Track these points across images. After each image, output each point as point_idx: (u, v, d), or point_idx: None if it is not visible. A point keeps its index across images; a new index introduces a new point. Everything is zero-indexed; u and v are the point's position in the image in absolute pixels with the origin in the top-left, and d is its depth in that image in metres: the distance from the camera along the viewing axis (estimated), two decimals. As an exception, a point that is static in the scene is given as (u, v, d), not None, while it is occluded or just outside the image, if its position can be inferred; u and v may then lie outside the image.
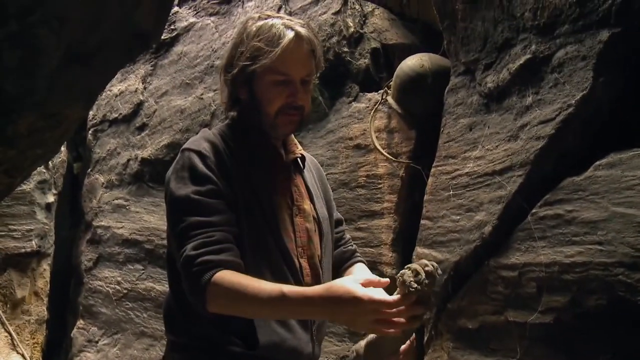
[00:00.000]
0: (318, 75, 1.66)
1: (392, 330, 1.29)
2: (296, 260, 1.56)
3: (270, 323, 1.48)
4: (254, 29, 1.53)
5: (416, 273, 1.24)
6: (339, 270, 1.76)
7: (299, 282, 1.53)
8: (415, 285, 1.23)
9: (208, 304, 1.38)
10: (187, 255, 1.40)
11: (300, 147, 1.70)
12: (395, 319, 1.25)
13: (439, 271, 1.27)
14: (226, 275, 1.37)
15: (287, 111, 1.54)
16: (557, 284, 1.77)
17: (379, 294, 1.26)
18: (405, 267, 1.28)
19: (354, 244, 1.87)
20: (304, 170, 1.70)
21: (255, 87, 1.54)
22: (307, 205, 1.64)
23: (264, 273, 1.48)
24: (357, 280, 1.28)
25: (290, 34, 1.50)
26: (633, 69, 1.74)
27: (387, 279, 1.33)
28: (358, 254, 1.83)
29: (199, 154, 1.49)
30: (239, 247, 1.46)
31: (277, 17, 1.56)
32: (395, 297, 1.26)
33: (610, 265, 1.63)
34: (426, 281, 1.23)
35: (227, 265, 1.39)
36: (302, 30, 1.52)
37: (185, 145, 1.55)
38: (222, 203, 1.46)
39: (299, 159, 1.68)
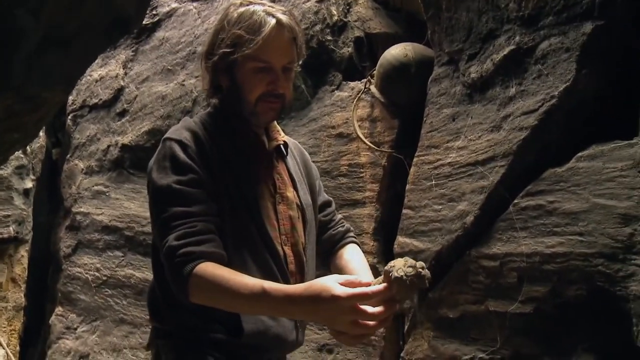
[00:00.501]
0: (300, 63, 1.65)
1: (367, 333, 1.30)
2: (280, 248, 1.56)
3: None
4: (235, 15, 1.52)
5: (409, 265, 1.23)
6: (330, 253, 1.76)
7: (282, 271, 1.54)
8: (402, 274, 1.22)
9: (190, 295, 1.38)
10: (170, 245, 1.40)
11: (283, 134, 1.70)
12: (370, 311, 1.24)
13: (427, 283, 1.25)
14: (208, 268, 1.36)
15: (267, 99, 1.53)
16: (538, 274, 1.79)
17: (356, 289, 1.25)
18: (403, 258, 1.28)
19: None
20: (287, 157, 1.69)
21: (236, 75, 1.54)
22: (290, 193, 1.63)
23: (247, 262, 1.48)
24: (337, 280, 1.27)
25: (271, 22, 1.49)
26: (616, 62, 1.76)
27: (368, 281, 1.32)
28: (350, 235, 1.81)
29: (180, 143, 1.49)
30: (221, 237, 1.45)
31: (259, 3, 1.54)
32: (373, 288, 1.26)
33: (590, 255, 1.65)
34: (414, 279, 1.22)
35: (209, 256, 1.39)
36: (284, 18, 1.51)
37: (166, 135, 1.55)
38: (203, 193, 1.46)
39: (281, 146, 1.68)
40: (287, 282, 1.53)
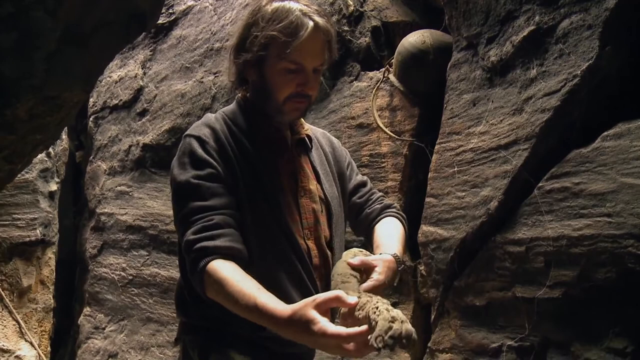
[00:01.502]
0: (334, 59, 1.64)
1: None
2: (302, 242, 1.54)
3: None
4: (270, 10, 1.48)
5: (389, 335, 1.10)
6: (368, 233, 1.72)
7: (305, 264, 1.53)
8: (380, 345, 1.10)
9: (205, 290, 1.39)
10: (187, 240, 1.41)
11: (307, 127, 1.69)
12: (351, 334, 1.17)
13: (411, 344, 1.11)
14: (219, 267, 1.36)
15: (295, 99, 1.52)
16: (565, 258, 1.76)
17: (334, 328, 1.17)
18: (385, 306, 1.17)
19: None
20: (312, 150, 1.68)
21: (266, 71, 1.52)
22: (313, 186, 1.62)
23: (268, 257, 1.49)
24: (316, 303, 1.20)
25: (309, 25, 1.46)
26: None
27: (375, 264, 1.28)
28: (388, 210, 1.73)
29: (199, 139, 1.50)
30: (241, 231, 1.45)
31: (295, 2, 1.50)
32: (350, 331, 1.16)
33: (619, 237, 1.61)
34: (390, 343, 1.10)
35: (223, 251, 1.39)
36: (321, 21, 1.48)
37: (187, 132, 1.56)
38: (222, 187, 1.46)
39: (306, 139, 1.66)
40: (309, 275, 1.52)
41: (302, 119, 1.69)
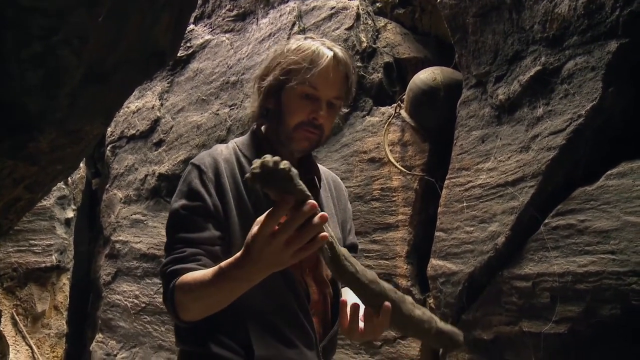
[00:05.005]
0: (350, 103, 1.68)
1: (304, 247, 1.18)
2: (299, 277, 1.56)
3: (265, 337, 1.48)
4: (295, 45, 1.58)
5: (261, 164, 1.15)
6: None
7: (300, 298, 1.54)
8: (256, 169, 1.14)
9: (179, 312, 1.40)
10: (160, 270, 1.48)
11: (318, 168, 1.72)
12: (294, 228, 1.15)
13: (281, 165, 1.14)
14: (184, 278, 1.38)
15: (306, 127, 1.56)
16: (571, 294, 1.78)
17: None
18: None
19: (369, 257, 1.87)
20: (320, 191, 1.71)
21: (284, 97, 1.58)
22: None
23: (259, 290, 1.40)
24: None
25: (329, 54, 1.55)
26: (642, 79, 1.76)
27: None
28: None
29: (198, 169, 1.55)
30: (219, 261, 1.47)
31: (320, 40, 1.60)
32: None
33: (623, 274, 1.64)
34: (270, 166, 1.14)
35: (187, 271, 1.40)
36: (340, 53, 1.56)
37: (193, 159, 1.60)
38: (206, 220, 1.49)
39: (315, 179, 1.70)
40: (305, 312, 1.53)
41: (314, 159, 1.73)
